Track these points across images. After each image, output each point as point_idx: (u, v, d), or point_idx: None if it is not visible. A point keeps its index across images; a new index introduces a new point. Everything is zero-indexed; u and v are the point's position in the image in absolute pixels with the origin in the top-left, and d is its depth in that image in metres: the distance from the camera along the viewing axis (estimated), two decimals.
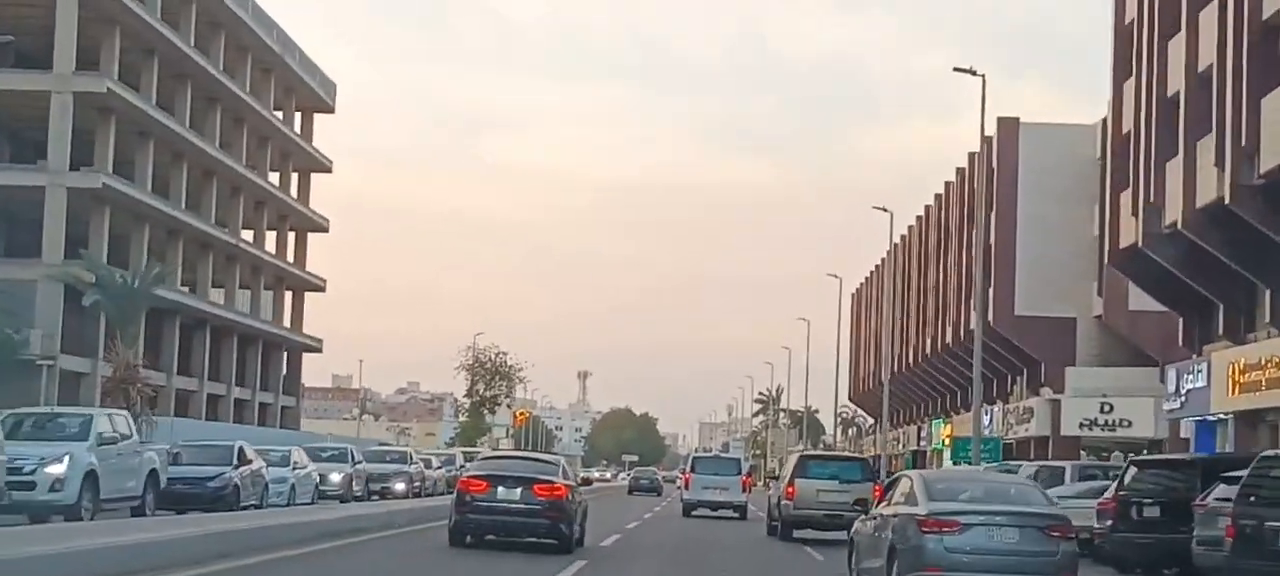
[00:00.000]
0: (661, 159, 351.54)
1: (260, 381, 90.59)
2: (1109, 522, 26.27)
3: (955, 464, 59.69)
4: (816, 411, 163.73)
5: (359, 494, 44.52)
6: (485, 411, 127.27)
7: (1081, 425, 63.52)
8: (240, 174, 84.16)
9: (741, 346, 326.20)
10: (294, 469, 38.15)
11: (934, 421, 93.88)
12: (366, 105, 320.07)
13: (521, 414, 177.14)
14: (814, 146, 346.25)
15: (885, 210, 77.60)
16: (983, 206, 63.59)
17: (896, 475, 21.55)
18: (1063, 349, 66.06)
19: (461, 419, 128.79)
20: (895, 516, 18.36)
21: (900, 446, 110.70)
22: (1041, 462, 43.43)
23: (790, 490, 34.72)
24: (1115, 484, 26.97)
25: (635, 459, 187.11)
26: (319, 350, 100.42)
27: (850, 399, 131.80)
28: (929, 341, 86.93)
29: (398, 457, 50.39)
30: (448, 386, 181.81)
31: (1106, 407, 62.96)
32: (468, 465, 47.62)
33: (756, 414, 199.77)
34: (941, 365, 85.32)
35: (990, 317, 68.34)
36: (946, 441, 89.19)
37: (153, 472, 27.12)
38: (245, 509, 32.31)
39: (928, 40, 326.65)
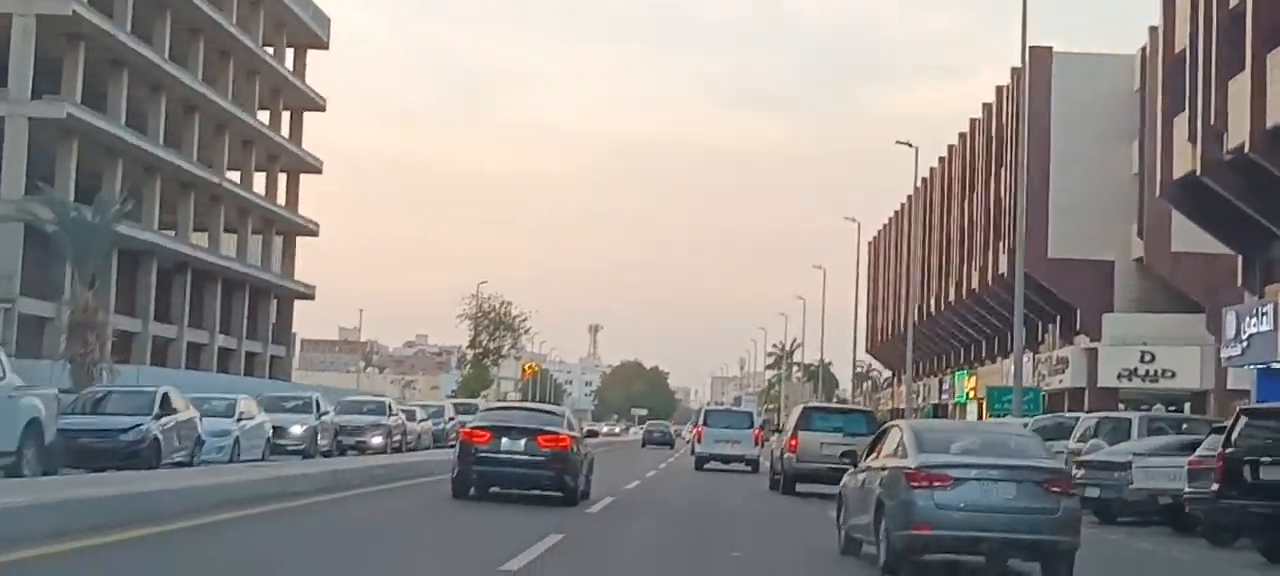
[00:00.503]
0: (672, 116, 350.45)
1: (247, 330, 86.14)
2: (1213, 486, 21.61)
3: (993, 417, 55.15)
4: (831, 364, 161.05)
5: (326, 448, 39.79)
6: (490, 364, 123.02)
7: (1120, 375, 58.99)
8: (225, 110, 79.56)
9: (753, 302, 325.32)
10: (240, 420, 33.47)
11: (957, 373, 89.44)
12: (377, 59, 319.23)
13: (530, 367, 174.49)
14: (826, 105, 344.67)
15: (909, 145, 72.16)
16: (1019, 138, 58.94)
17: (886, 425, 20.01)
18: (1099, 294, 61.41)
19: (466, 371, 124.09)
20: (884, 470, 17.00)
21: (920, 399, 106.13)
22: (1104, 414, 38.70)
23: (793, 443, 33.98)
24: (1222, 439, 22.07)
25: (644, 413, 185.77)
26: (311, 297, 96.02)
27: (868, 351, 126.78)
28: (952, 289, 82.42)
29: (375, 408, 45.57)
30: (455, 339, 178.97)
31: (1147, 356, 58.45)
32: (461, 418, 46.00)
33: (769, 367, 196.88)
34: (966, 313, 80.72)
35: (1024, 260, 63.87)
36: (971, 393, 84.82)
37: (33, 423, 22.13)
38: (174, 465, 27.84)
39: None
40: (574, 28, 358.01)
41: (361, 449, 42.31)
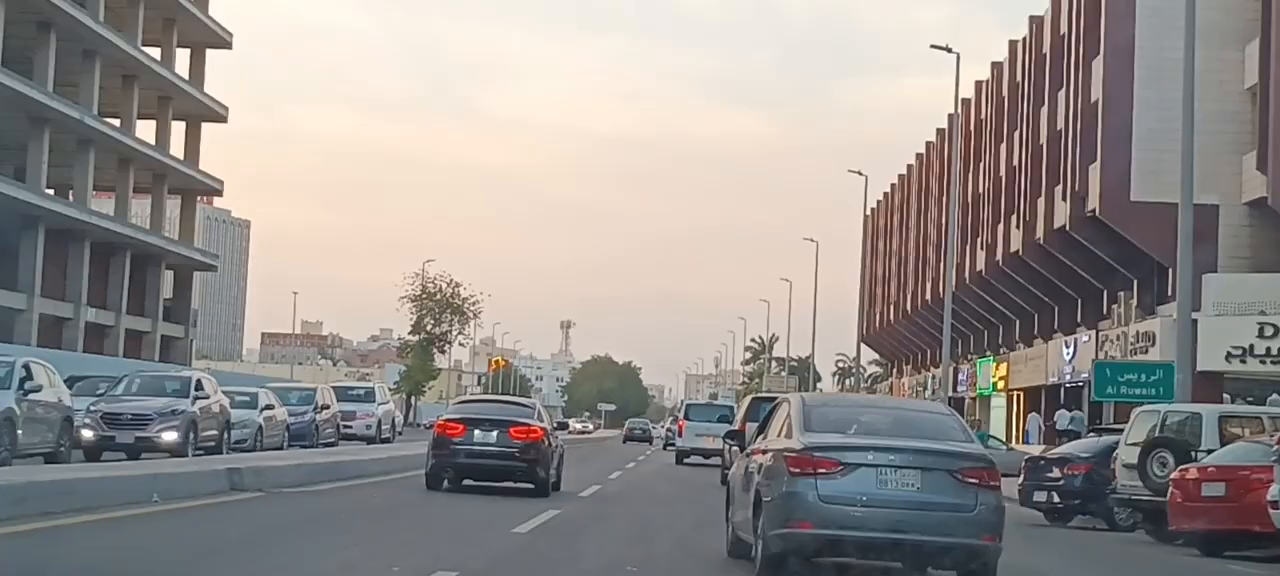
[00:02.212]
0: (654, 110, 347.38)
1: (128, 304, 71.27)
2: None
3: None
4: (810, 359, 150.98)
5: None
6: (435, 350, 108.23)
7: (1229, 355, 44.44)
8: (94, 32, 64.72)
9: (731, 300, 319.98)
10: None
11: (980, 361, 75.09)
12: (362, 52, 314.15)
13: (497, 360, 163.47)
14: (809, 99, 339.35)
15: (949, 49, 55.96)
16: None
17: (778, 399, 17.05)
18: (1200, 249, 46.64)
19: (408, 359, 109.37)
20: (767, 454, 14.35)
21: (928, 393, 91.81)
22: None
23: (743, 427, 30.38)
24: None
25: (612, 408, 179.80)
26: (213, 268, 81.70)
27: (863, 340, 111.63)
28: (970, 261, 68.36)
29: (178, 388, 30.36)
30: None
31: (1269, 330, 44.07)
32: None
33: (747, 362, 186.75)
34: (989, 290, 66.51)
35: (1095, 205, 49.33)
36: (1001, 384, 70.57)
37: None
38: None
39: None
40: (554, 21, 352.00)
41: (146, 447, 27.75)
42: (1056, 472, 26.01)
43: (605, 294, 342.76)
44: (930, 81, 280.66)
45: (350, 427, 43.38)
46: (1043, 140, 56.24)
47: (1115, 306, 53.26)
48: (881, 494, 13.34)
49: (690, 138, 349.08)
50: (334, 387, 46.79)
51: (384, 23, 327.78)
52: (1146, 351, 47.96)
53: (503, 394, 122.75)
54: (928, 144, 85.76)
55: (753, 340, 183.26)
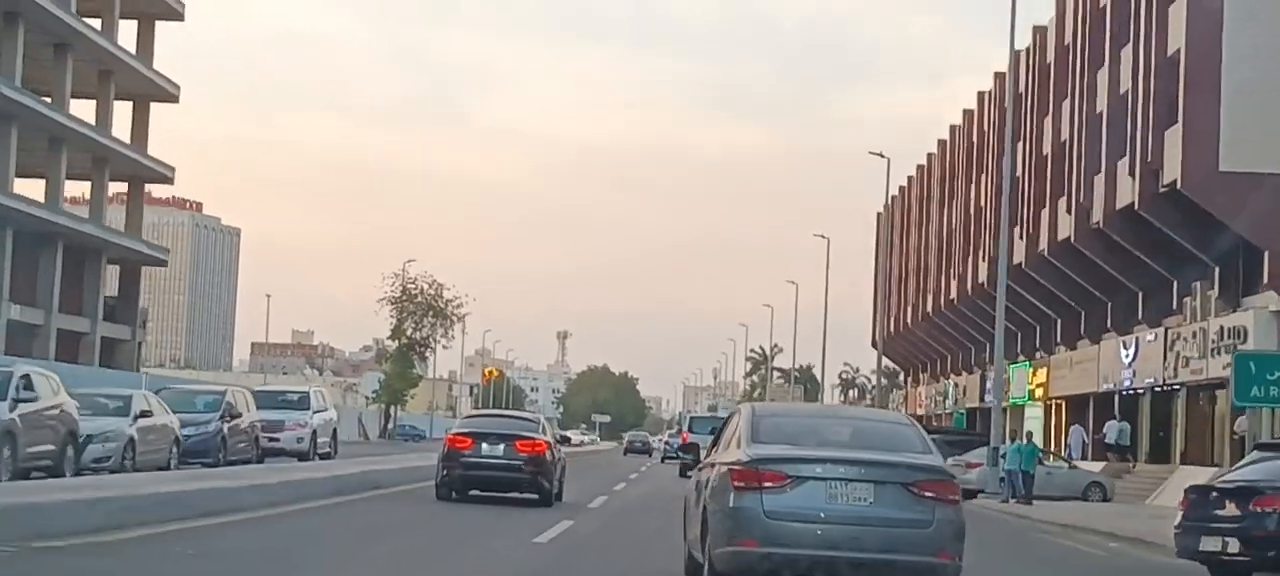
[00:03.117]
0: (649, 120, 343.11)
1: (60, 302, 63.52)
2: None
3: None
4: (812, 369, 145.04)
5: None
6: (416, 357, 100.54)
7: None
8: None
9: (730, 311, 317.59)
10: None
11: (1013, 366, 67.26)
12: (355, 61, 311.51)
13: (491, 371, 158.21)
14: (805, 109, 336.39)
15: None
16: None
17: (733, 409, 16.30)
18: None
19: (386, 366, 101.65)
20: (715, 467, 13.58)
21: (949, 403, 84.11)
22: None
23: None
24: None
25: (607, 419, 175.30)
26: (163, 263, 73.64)
27: (875, 346, 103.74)
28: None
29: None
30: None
31: None
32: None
33: (748, 373, 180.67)
34: (1028, 285, 58.81)
35: (1177, 177, 41.56)
36: (1040, 392, 62.94)
37: None
38: None
39: (921, 3, 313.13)
40: (549, 30, 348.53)
41: None
42: (1233, 508, 17.90)
43: (602, 304, 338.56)
44: (929, 92, 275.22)
45: (277, 441, 35.49)
46: (1102, 106, 48.44)
47: (1188, 299, 45.52)
48: (831, 509, 12.68)
49: (686, 147, 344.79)
50: (259, 392, 38.91)
51: (377, 32, 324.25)
52: (1235, 350, 40.26)
53: (495, 406, 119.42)
54: (952, 128, 78.12)
55: (753, 350, 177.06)
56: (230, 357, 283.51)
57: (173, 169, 72.72)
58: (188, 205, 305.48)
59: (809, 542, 12.52)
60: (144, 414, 27.15)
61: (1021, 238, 58.43)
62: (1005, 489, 39.55)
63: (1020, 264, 58.16)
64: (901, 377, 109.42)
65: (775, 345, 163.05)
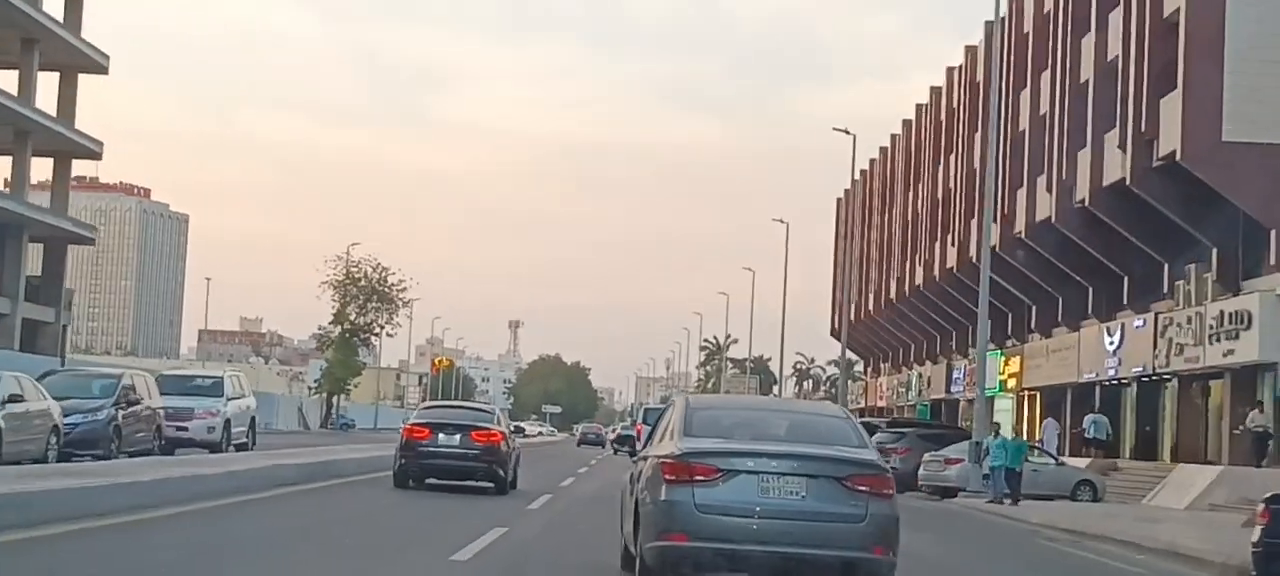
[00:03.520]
0: (605, 116, 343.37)
1: None
2: None
3: None
4: (768, 360, 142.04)
5: None
6: (360, 344, 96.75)
7: None
8: None
9: (683, 304, 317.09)
10: None
11: (992, 353, 64.11)
12: (312, 59, 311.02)
13: (440, 360, 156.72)
14: (762, 107, 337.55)
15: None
16: None
17: (670, 400, 16.69)
18: None
19: (329, 354, 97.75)
20: (647, 460, 13.49)
21: (913, 394, 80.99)
22: None
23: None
24: None
25: (557, 409, 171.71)
26: (91, 241, 69.74)
27: (834, 335, 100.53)
28: (975, 237, 57.62)
29: None
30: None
31: None
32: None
33: (702, 364, 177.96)
34: (1001, 269, 55.62)
35: (1177, 148, 38.44)
36: (1012, 382, 59.94)
37: None
38: None
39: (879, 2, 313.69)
40: (504, 27, 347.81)
41: None
42: None
43: (555, 297, 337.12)
44: (888, 86, 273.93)
45: (185, 430, 31.99)
46: (1087, 76, 45.31)
47: (1181, 283, 42.41)
48: (763, 503, 12.47)
49: (643, 143, 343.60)
50: (166, 376, 35.36)
51: (334, 29, 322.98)
52: (1238, 337, 37.22)
53: (445, 396, 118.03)
54: (918, 107, 75.03)
55: (707, 340, 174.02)
56: (178, 345, 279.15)
57: (101, 144, 68.85)
58: (135, 191, 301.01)
59: (740, 537, 12.38)
60: (13, 398, 23.56)
61: (995, 220, 55.28)
62: (991, 488, 36.34)
63: (993, 246, 55.00)
64: (861, 368, 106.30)
65: (731, 336, 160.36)
